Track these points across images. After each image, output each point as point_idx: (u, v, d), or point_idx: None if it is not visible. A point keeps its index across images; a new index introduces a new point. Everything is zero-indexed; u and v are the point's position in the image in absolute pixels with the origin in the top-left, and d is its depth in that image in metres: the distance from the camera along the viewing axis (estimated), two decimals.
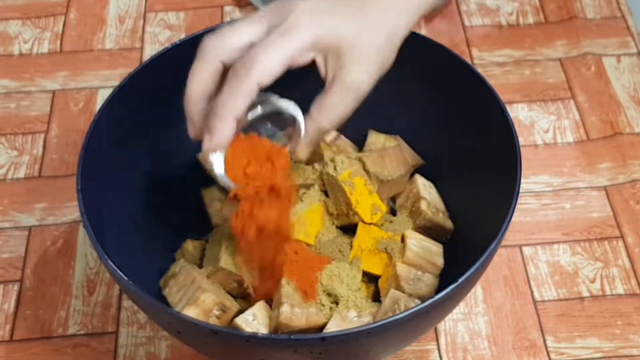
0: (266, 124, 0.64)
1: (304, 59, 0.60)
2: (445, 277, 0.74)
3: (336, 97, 0.62)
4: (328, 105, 0.62)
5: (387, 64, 0.63)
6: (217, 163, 0.63)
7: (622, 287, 0.80)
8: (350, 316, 0.69)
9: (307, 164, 0.78)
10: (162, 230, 0.78)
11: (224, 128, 0.59)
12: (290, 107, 0.64)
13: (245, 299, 0.73)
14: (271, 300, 0.71)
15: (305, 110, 0.63)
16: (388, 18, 0.62)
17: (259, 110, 0.63)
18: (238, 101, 0.58)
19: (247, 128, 0.63)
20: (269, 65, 0.58)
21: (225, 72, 0.61)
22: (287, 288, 0.69)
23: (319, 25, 0.60)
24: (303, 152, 0.64)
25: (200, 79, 0.61)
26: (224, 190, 0.79)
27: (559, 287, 0.81)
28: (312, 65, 0.61)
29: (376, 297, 0.74)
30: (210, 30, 0.78)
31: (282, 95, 0.64)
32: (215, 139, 0.59)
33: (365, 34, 0.61)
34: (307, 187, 0.75)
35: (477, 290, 0.81)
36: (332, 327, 0.68)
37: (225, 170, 0.63)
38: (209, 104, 0.61)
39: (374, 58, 0.62)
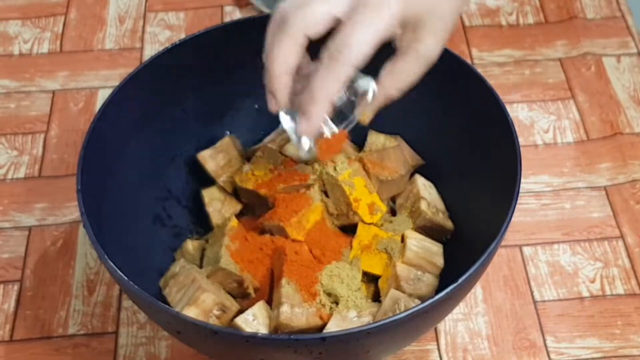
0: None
1: (390, 34, 0.60)
2: (445, 277, 0.74)
3: (409, 65, 0.63)
4: (399, 73, 0.63)
5: (453, 30, 0.64)
6: (288, 124, 0.65)
7: (622, 287, 0.80)
8: (350, 316, 0.69)
9: (307, 163, 0.78)
10: (162, 230, 0.78)
11: (320, 112, 0.60)
12: (367, 80, 0.64)
13: (245, 299, 0.73)
14: (271, 300, 0.71)
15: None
16: None
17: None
18: (335, 85, 0.59)
19: None
20: (363, 46, 0.58)
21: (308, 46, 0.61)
22: (287, 288, 0.69)
23: None
24: (368, 117, 0.65)
25: (286, 53, 0.60)
26: (224, 190, 0.79)
27: (559, 287, 0.81)
28: None
29: (376, 297, 0.74)
30: (211, 30, 0.78)
31: None
32: (312, 123, 0.60)
33: (444, 5, 0.62)
34: (307, 187, 0.75)
35: (477, 290, 0.81)
36: (332, 327, 0.68)
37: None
38: (292, 78, 0.61)
39: (448, 28, 0.63)
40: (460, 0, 0.64)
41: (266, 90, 0.62)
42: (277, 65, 0.60)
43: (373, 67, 0.62)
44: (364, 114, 0.65)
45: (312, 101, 0.59)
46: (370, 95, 0.64)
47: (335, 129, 0.66)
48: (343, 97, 0.65)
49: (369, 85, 0.64)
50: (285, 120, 0.65)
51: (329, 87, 0.59)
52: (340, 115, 0.66)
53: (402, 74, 0.63)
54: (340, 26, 0.59)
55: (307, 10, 0.59)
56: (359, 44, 0.58)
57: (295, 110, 0.64)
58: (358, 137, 0.82)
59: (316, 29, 0.60)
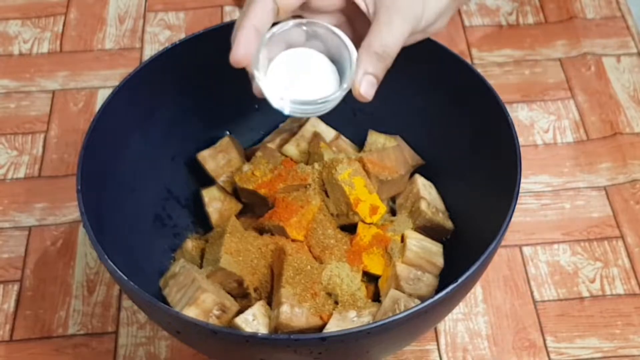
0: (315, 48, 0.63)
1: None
2: (445, 277, 0.74)
3: (384, 18, 0.61)
4: (383, 30, 0.60)
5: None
6: (266, 87, 0.62)
7: (622, 287, 0.80)
8: (350, 316, 0.69)
9: (307, 163, 0.78)
10: (162, 230, 0.78)
11: (245, 37, 0.59)
12: (339, 32, 0.62)
13: (245, 299, 0.73)
14: (271, 300, 0.71)
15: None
16: None
17: (289, 23, 0.62)
18: (256, 10, 0.59)
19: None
20: None
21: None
22: (287, 288, 0.69)
23: None
24: (361, 86, 0.61)
25: (255, 14, 0.60)
26: (224, 190, 0.79)
27: (558, 287, 0.81)
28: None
29: (376, 297, 0.74)
30: (211, 30, 0.78)
31: None
32: (239, 49, 0.59)
33: None
34: (307, 187, 0.75)
35: (477, 290, 0.81)
36: (332, 327, 0.68)
37: None
38: (258, 36, 0.61)
39: None
40: None
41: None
42: (246, 21, 0.60)
43: None
44: (357, 83, 0.60)
45: (237, 28, 0.60)
46: (353, 55, 0.61)
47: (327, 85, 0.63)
48: (337, 53, 0.62)
49: (347, 42, 0.61)
50: (261, 79, 0.62)
51: (250, 12, 0.59)
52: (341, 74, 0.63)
53: (386, 31, 0.61)
54: None
55: None
56: None
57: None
58: (358, 137, 0.82)
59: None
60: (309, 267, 0.71)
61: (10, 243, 0.85)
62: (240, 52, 0.60)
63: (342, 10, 0.65)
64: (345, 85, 0.61)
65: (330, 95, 0.61)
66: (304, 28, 0.63)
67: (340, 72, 0.63)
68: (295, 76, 0.63)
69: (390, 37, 0.61)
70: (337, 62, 0.63)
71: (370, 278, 0.75)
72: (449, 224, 0.77)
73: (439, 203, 0.78)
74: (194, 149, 0.81)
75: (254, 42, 0.60)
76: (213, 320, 0.68)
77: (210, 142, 0.81)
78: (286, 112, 0.62)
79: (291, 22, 0.62)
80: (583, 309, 0.79)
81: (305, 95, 0.62)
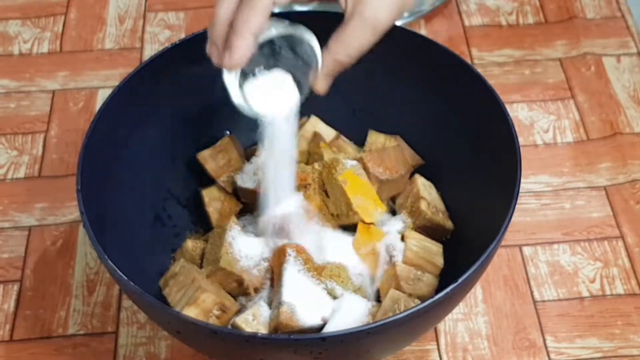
0: (287, 53, 0.65)
1: None
2: (445, 277, 0.74)
3: (355, 31, 0.62)
4: (346, 38, 0.62)
5: (408, 3, 0.63)
6: (233, 88, 0.64)
7: (622, 287, 0.80)
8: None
9: (307, 163, 0.78)
10: (162, 230, 0.78)
11: (242, 44, 0.59)
12: (307, 35, 0.63)
13: (245, 299, 0.73)
14: (271, 300, 0.71)
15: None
16: None
17: (272, 31, 0.63)
18: (255, 17, 0.59)
19: (268, 57, 0.64)
20: None
21: None
22: (287, 288, 0.69)
23: None
24: (320, 84, 0.64)
25: (227, 3, 0.60)
26: (224, 190, 0.79)
27: (558, 287, 0.81)
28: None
29: (376, 297, 0.74)
30: None
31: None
32: (234, 56, 0.60)
33: None
34: (307, 187, 0.75)
35: (477, 290, 0.81)
36: (332, 327, 0.68)
37: None
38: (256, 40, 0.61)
39: None
40: None
41: (214, 42, 0.62)
42: (220, 15, 0.60)
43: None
44: (317, 82, 0.64)
45: (234, 34, 0.59)
46: (318, 60, 0.63)
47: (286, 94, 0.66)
48: (289, 56, 0.64)
49: (313, 44, 0.63)
50: (228, 77, 0.64)
51: (248, 18, 0.59)
52: (297, 85, 0.65)
53: (349, 39, 0.62)
54: None
55: None
56: None
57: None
58: (358, 137, 0.82)
59: None
60: (309, 267, 0.71)
61: (10, 243, 0.85)
62: (240, 59, 0.60)
63: None
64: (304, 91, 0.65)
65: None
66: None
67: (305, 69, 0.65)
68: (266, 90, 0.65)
69: (352, 47, 0.62)
70: (304, 59, 0.65)
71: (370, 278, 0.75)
72: (449, 224, 0.77)
73: (439, 203, 0.78)
74: (194, 149, 0.81)
75: (252, 49, 0.60)
76: (213, 320, 0.68)
77: (210, 142, 0.81)
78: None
79: (274, 31, 0.63)
80: (583, 309, 0.79)
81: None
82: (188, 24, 1.06)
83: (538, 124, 0.94)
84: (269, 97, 0.65)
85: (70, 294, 0.81)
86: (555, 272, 0.82)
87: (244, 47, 0.60)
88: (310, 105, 0.67)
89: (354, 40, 0.62)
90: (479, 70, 0.75)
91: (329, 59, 0.63)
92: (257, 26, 0.60)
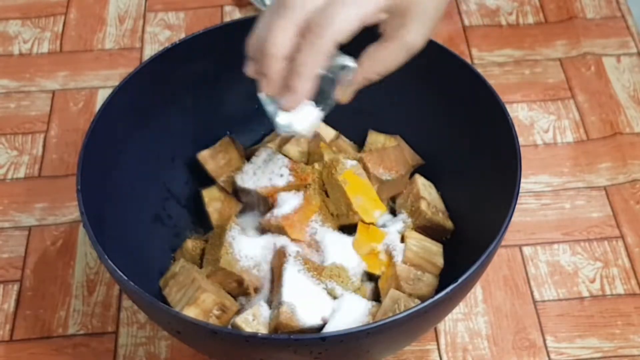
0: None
1: (376, 18, 0.60)
2: (445, 277, 0.74)
3: (392, 53, 0.63)
4: (382, 59, 0.63)
5: (438, 23, 0.64)
6: (271, 108, 0.64)
7: (622, 287, 0.80)
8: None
9: (307, 163, 0.78)
10: (162, 230, 0.78)
11: (306, 87, 0.59)
12: (346, 60, 0.64)
13: (245, 299, 0.73)
14: (271, 300, 0.71)
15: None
16: None
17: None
18: (318, 60, 0.59)
19: None
20: (346, 24, 0.58)
21: None
22: (287, 288, 0.69)
23: None
24: (346, 96, 0.65)
25: (285, 37, 0.59)
26: (224, 190, 0.79)
27: (558, 287, 0.81)
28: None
29: (376, 297, 0.74)
30: (211, 30, 0.78)
31: None
32: (297, 98, 0.60)
33: None
34: (307, 187, 0.75)
35: (477, 290, 0.81)
36: (332, 327, 0.68)
37: None
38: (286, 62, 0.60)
39: (434, 18, 0.63)
40: None
41: (254, 71, 0.62)
42: (278, 49, 0.59)
43: (355, 50, 0.62)
44: (343, 94, 0.65)
45: (298, 76, 0.59)
46: (350, 76, 0.64)
47: (315, 109, 0.66)
48: (326, 75, 0.64)
49: (349, 65, 0.64)
50: (266, 102, 0.65)
51: (313, 62, 0.59)
52: (322, 94, 0.65)
53: (384, 60, 0.63)
54: (328, 3, 0.59)
55: None
56: (341, 21, 0.58)
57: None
58: (358, 137, 0.82)
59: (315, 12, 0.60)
60: (309, 267, 0.71)
61: (10, 243, 0.85)
62: (300, 101, 0.61)
63: None
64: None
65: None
66: None
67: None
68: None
69: (385, 67, 0.63)
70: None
71: (370, 278, 0.75)
72: (449, 224, 0.77)
73: (439, 203, 0.78)
74: (194, 149, 0.81)
75: (313, 90, 0.61)
76: (213, 320, 0.68)
77: (210, 142, 0.81)
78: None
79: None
80: (583, 309, 0.79)
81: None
82: (188, 24, 1.06)
83: (538, 124, 0.94)
84: (295, 113, 0.65)
85: (70, 294, 0.81)
86: (555, 272, 0.82)
87: (306, 90, 0.60)
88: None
89: (388, 61, 0.63)
90: (479, 70, 0.75)
91: (361, 75, 0.64)
92: (320, 68, 0.59)
